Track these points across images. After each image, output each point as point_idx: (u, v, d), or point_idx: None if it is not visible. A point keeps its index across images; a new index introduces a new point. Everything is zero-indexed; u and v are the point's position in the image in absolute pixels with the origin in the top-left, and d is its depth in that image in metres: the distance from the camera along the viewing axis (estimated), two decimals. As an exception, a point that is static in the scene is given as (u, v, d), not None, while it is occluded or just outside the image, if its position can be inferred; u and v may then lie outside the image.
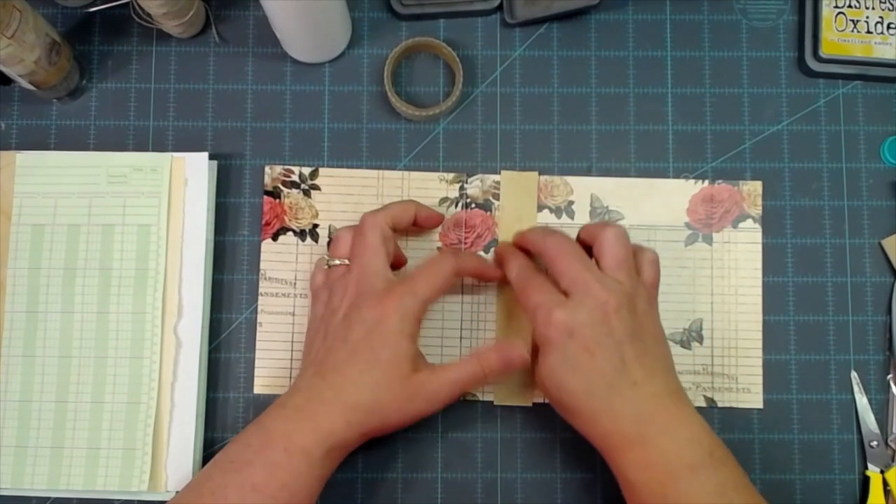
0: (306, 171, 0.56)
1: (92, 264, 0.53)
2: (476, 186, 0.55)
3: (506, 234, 0.55)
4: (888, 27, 0.56)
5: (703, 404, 0.54)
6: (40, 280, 0.53)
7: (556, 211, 0.55)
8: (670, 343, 0.54)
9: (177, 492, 0.51)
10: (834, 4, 0.56)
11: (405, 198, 0.55)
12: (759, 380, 0.54)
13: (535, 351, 0.48)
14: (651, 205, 0.55)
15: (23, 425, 0.52)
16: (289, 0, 0.48)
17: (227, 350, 0.54)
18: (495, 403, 0.54)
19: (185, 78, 0.56)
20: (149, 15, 0.53)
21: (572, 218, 0.55)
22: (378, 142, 0.56)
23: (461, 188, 0.55)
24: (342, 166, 0.56)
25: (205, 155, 0.54)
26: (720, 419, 0.54)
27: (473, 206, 0.55)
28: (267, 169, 0.56)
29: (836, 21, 0.56)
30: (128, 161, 0.54)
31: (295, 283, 0.55)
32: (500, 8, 0.56)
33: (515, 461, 0.54)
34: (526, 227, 0.55)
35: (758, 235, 0.55)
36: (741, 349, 0.54)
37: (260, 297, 0.55)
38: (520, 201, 0.55)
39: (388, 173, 0.56)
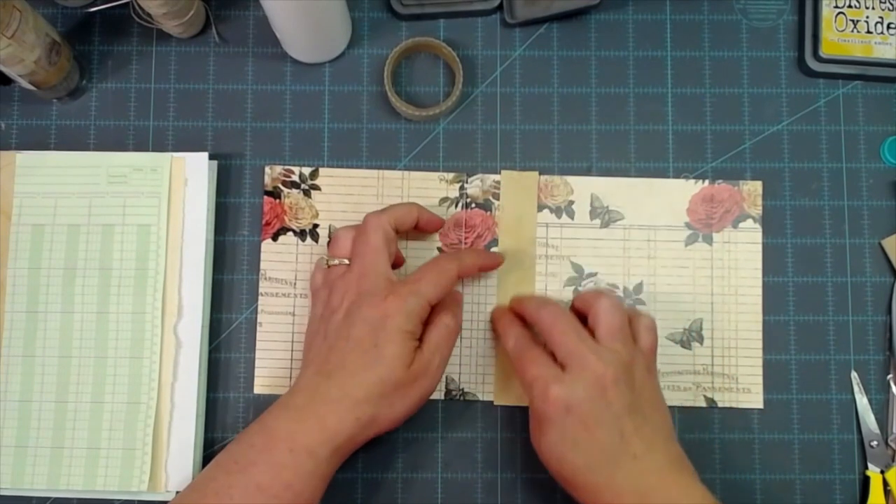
0: (306, 171, 0.56)
1: (92, 264, 0.53)
2: (476, 186, 0.55)
3: (506, 234, 0.55)
4: (888, 27, 0.56)
5: (703, 404, 0.54)
6: (40, 280, 0.53)
7: (556, 211, 0.55)
8: (670, 343, 0.54)
9: (177, 492, 0.52)
10: (834, 4, 0.56)
11: (405, 198, 0.55)
12: (759, 380, 0.54)
13: (534, 422, 0.47)
14: (651, 205, 0.55)
15: (23, 425, 0.52)
16: (289, 0, 0.48)
17: (227, 350, 0.54)
18: (495, 403, 0.54)
19: (185, 78, 0.56)
20: (149, 15, 0.53)
21: (572, 218, 0.55)
22: (378, 142, 0.56)
23: (461, 188, 0.55)
24: (342, 166, 0.56)
25: (205, 155, 0.54)
26: (720, 419, 0.54)
27: (473, 206, 0.55)
28: (267, 169, 0.56)
29: (836, 21, 0.56)
30: (128, 161, 0.54)
31: (295, 283, 0.55)
32: (500, 8, 0.56)
33: (515, 461, 0.54)
34: (526, 229, 0.55)
35: (758, 235, 0.55)
36: (741, 349, 0.54)
37: (260, 297, 0.55)
38: (520, 201, 0.55)
39: (388, 173, 0.56)
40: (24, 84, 0.53)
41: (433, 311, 0.49)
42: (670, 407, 0.53)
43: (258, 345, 0.54)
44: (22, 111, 0.56)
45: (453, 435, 0.54)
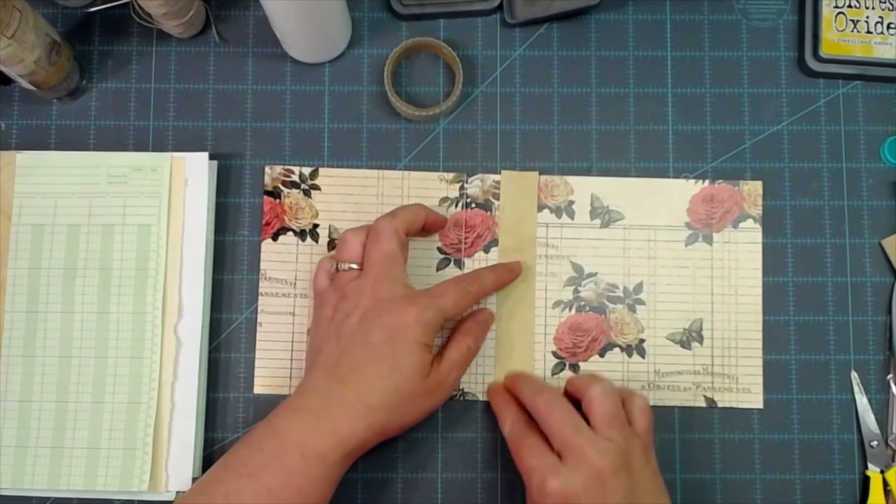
0: (306, 171, 0.56)
1: (92, 264, 0.53)
2: (476, 186, 0.55)
3: (506, 234, 0.55)
4: (888, 27, 0.56)
5: (703, 404, 0.54)
6: (40, 280, 0.53)
7: (557, 211, 0.55)
8: (670, 343, 0.54)
9: (177, 492, 0.52)
10: (834, 4, 0.56)
11: (405, 198, 0.55)
12: (759, 380, 0.54)
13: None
14: (651, 205, 0.55)
15: (23, 425, 0.52)
16: (289, 0, 0.48)
17: (227, 350, 0.54)
18: (495, 403, 0.54)
19: (185, 78, 0.56)
20: (149, 15, 0.53)
21: (572, 218, 0.55)
22: (378, 142, 0.56)
23: (461, 188, 0.55)
24: (342, 166, 0.56)
25: (205, 155, 0.54)
26: (720, 419, 0.54)
27: (473, 206, 0.55)
28: (267, 169, 0.56)
29: (836, 21, 0.56)
30: (128, 161, 0.54)
31: (295, 283, 0.55)
32: (500, 8, 0.56)
33: (515, 461, 0.54)
34: (526, 229, 0.55)
35: (758, 235, 0.55)
36: (741, 349, 0.54)
37: (260, 297, 0.55)
38: (520, 201, 0.55)
39: (388, 173, 0.56)
40: (24, 84, 0.53)
41: (458, 328, 0.51)
42: (670, 407, 0.53)
43: (258, 345, 0.54)
44: (22, 111, 0.56)
45: (453, 435, 0.54)
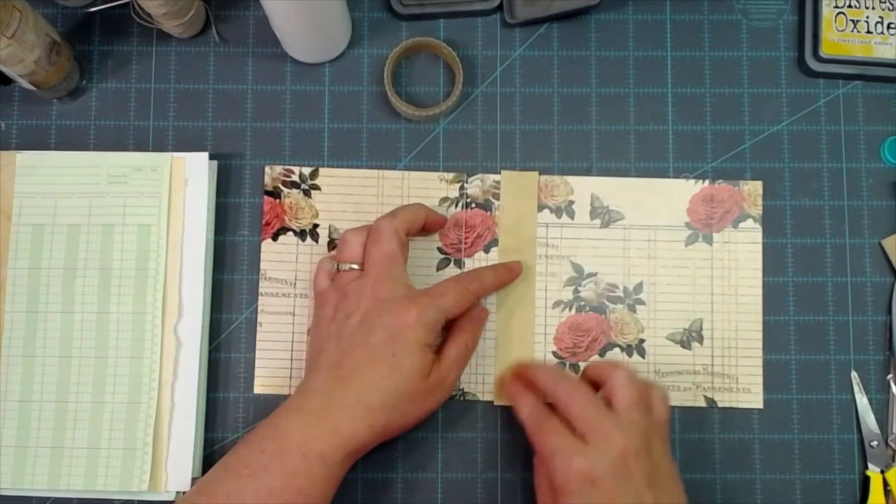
0: (306, 171, 0.56)
1: (92, 264, 0.53)
2: (476, 186, 0.55)
3: (506, 234, 0.55)
4: (888, 27, 0.56)
5: (703, 404, 0.54)
6: (40, 280, 0.53)
7: (557, 211, 0.55)
8: (670, 343, 0.54)
9: (177, 492, 0.52)
10: (834, 4, 0.56)
11: (405, 198, 0.55)
12: (759, 380, 0.54)
13: (551, 495, 0.47)
14: (651, 205, 0.55)
15: (23, 425, 0.52)
16: (289, 0, 0.48)
17: (227, 350, 0.54)
18: (495, 403, 0.54)
19: (185, 78, 0.56)
20: (149, 15, 0.53)
21: (572, 218, 0.55)
22: (378, 142, 0.56)
23: (461, 188, 0.55)
24: (342, 166, 0.56)
25: (205, 155, 0.54)
26: (720, 419, 0.54)
27: (473, 206, 0.55)
28: (267, 169, 0.56)
29: (836, 21, 0.56)
30: (128, 161, 0.54)
31: (295, 283, 0.55)
32: (500, 8, 0.56)
33: (515, 461, 0.53)
34: (526, 229, 0.55)
35: (758, 235, 0.55)
36: (741, 349, 0.54)
37: (260, 297, 0.55)
38: (520, 201, 0.55)
39: (388, 173, 0.56)
40: (24, 84, 0.53)
41: (455, 326, 0.51)
42: (671, 407, 0.53)
43: (258, 345, 0.54)
44: (22, 111, 0.56)
45: (453, 435, 0.54)
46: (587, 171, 0.56)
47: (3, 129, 0.56)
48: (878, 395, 0.54)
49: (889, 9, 0.56)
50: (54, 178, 0.54)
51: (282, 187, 0.55)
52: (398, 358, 0.46)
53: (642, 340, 0.54)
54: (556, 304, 0.55)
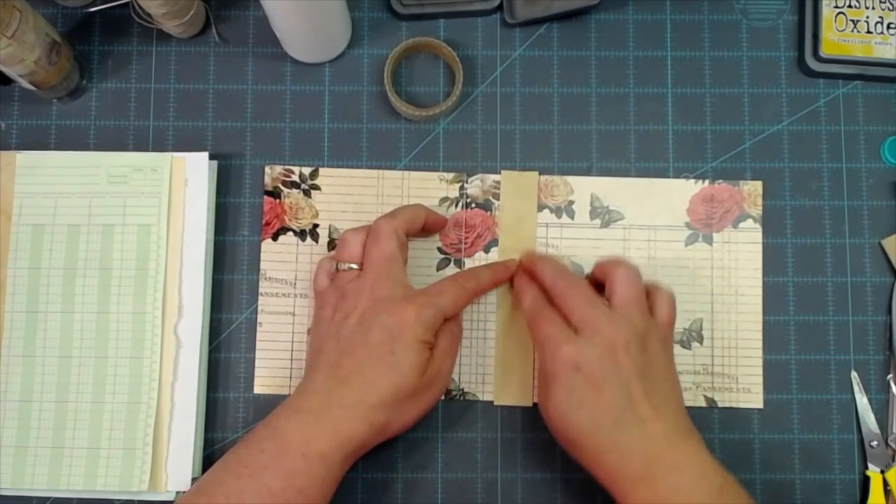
0: (306, 171, 0.56)
1: (92, 264, 0.53)
2: (476, 186, 0.55)
3: (506, 234, 0.55)
4: (888, 27, 0.56)
5: (703, 404, 0.54)
6: (40, 280, 0.53)
7: (557, 211, 0.55)
8: (670, 343, 0.54)
9: (177, 492, 0.52)
10: (834, 4, 0.56)
11: (405, 198, 0.55)
12: (759, 380, 0.54)
13: (543, 382, 0.48)
14: (651, 205, 0.55)
15: (23, 425, 0.52)
16: (289, 0, 0.48)
17: (227, 350, 0.54)
18: (495, 403, 0.54)
19: (185, 78, 0.56)
20: (149, 15, 0.53)
21: (572, 218, 0.55)
22: (378, 142, 0.56)
23: (461, 188, 0.55)
24: (342, 166, 0.56)
25: (205, 155, 0.54)
26: (720, 419, 0.54)
27: (473, 206, 0.55)
28: (267, 169, 0.56)
29: (836, 21, 0.56)
30: (128, 161, 0.54)
31: (295, 283, 0.55)
32: (500, 8, 0.56)
33: (515, 461, 0.54)
34: (526, 229, 0.55)
35: (758, 235, 0.55)
36: (741, 349, 0.54)
37: (260, 297, 0.55)
38: (520, 201, 0.55)
39: (388, 173, 0.56)
40: (24, 84, 0.53)
41: None
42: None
43: (258, 345, 0.54)
44: (22, 111, 0.56)
45: (453, 435, 0.54)
46: (587, 171, 0.56)
47: (3, 129, 0.56)
48: (878, 395, 0.54)
49: (889, 9, 0.56)
50: (54, 178, 0.54)
51: (282, 187, 0.55)
52: (397, 357, 0.46)
53: (642, 340, 0.54)
54: (556, 304, 0.55)
